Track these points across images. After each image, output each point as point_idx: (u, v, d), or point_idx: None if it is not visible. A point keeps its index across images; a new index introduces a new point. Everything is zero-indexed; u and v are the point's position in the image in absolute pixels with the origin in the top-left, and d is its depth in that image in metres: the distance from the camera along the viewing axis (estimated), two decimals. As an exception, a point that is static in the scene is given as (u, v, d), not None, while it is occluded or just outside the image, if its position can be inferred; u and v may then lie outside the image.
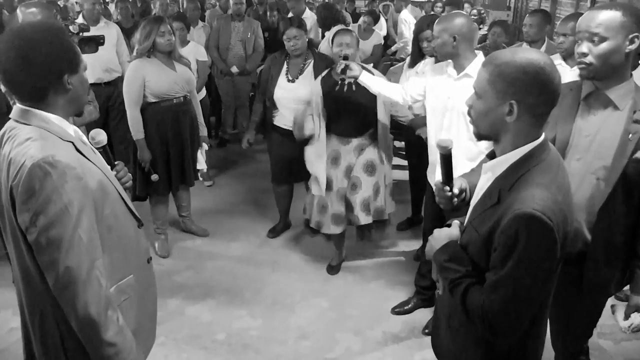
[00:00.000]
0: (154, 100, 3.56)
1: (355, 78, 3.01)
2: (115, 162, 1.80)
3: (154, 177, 3.52)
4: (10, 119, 1.50)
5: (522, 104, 1.35)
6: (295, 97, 3.59)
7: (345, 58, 3.05)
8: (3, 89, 2.66)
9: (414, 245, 3.98)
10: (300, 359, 2.94)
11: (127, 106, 3.55)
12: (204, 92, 4.99)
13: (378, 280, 3.63)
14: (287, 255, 3.98)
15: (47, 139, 1.42)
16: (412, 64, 3.76)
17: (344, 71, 2.97)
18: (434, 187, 1.64)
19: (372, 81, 3.04)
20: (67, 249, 1.37)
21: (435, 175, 2.87)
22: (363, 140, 3.41)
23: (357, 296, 3.48)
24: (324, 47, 4.98)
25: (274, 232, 4.25)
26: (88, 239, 1.41)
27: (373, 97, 3.27)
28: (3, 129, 1.52)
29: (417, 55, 3.72)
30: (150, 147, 3.59)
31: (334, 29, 4.77)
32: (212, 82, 5.57)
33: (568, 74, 2.90)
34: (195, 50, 4.79)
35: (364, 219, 3.34)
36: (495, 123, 1.41)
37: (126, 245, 1.64)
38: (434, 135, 2.87)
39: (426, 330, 3.09)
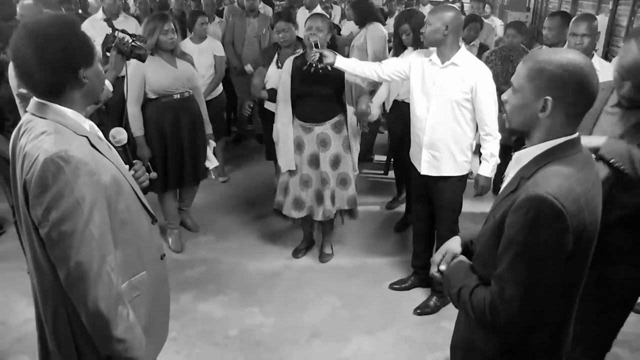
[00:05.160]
0: (153, 97, 3.56)
1: (332, 65, 3.12)
2: (134, 161, 1.79)
3: (153, 174, 3.50)
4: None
5: (558, 101, 1.35)
6: None
7: (316, 46, 3.13)
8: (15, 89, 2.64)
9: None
10: (312, 358, 2.93)
11: (127, 103, 3.50)
12: (220, 88, 4.97)
13: (390, 281, 3.59)
14: (300, 253, 3.97)
15: (62, 133, 1.42)
16: (396, 55, 3.86)
17: (320, 60, 3.09)
18: None
19: (348, 64, 3.16)
20: (78, 244, 1.37)
21: (421, 156, 3.05)
22: (325, 129, 3.44)
23: (370, 296, 3.46)
24: (359, 42, 4.85)
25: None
26: (100, 235, 1.40)
27: (341, 84, 3.38)
28: (20, 122, 1.52)
29: (399, 47, 3.89)
30: (150, 144, 3.58)
31: (370, 26, 4.77)
32: (228, 78, 5.56)
33: None
34: (213, 46, 4.79)
35: (331, 211, 3.54)
36: (528, 118, 1.41)
37: (140, 241, 1.64)
38: (419, 116, 3.01)
39: (418, 311, 3.28)
